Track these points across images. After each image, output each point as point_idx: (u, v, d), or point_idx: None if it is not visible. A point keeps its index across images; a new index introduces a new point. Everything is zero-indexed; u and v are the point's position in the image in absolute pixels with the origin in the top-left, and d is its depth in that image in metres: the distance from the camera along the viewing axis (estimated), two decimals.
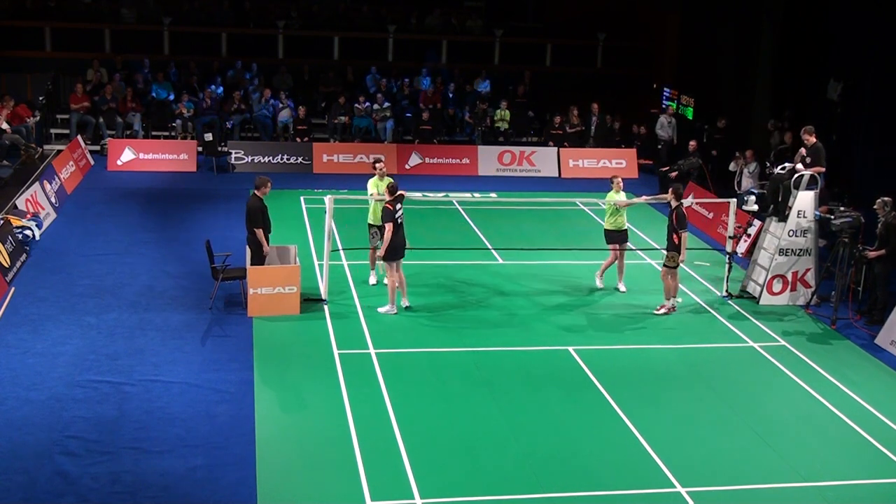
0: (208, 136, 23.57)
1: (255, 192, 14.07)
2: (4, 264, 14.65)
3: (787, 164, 15.69)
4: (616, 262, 15.62)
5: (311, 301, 14.43)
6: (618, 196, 15.44)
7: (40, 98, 24.70)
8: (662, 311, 14.75)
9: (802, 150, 15.43)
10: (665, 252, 14.70)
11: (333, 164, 23.89)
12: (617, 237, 15.48)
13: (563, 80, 28.79)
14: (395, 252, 13.94)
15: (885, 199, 14.77)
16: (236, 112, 24.89)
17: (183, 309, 14.04)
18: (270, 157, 23.73)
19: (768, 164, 19.63)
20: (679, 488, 9.81)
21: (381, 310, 14.19)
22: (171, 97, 25.31)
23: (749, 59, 23.87)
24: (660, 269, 16.98)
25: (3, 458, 9.74)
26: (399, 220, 13.97)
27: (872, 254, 14.60)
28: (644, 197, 15.96)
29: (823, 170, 15.44)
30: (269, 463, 9.89)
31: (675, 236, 14.37)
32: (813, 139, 15.44)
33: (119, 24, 27.31)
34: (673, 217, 14.45)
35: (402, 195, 14.04)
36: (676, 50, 28.30)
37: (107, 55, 26.54)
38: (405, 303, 14.36)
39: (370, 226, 14.85)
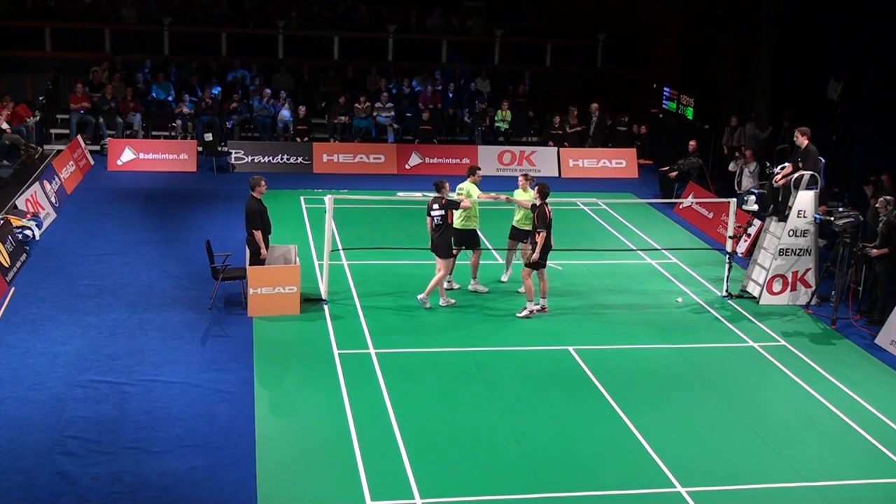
0: (208, 136, 23.58)
1: (252, 193, 14.10)
2: (4, 264, 14.65)
3: (786, 164, 15.68)
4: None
5: (311, 301, 14.43)
6: (525, 195, 15.05)
7: (40, 98, 24.69)
8: (524, 312, 14.28)
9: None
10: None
11: (333, 164, 23.89)
12: (520, 235, 15.23)
13: (563, 80, 28.80)
14: (434, 247, 14.34)
15: (888, 197, 14.77)
16: (236, 112, 24.90)
17: (183, 309, 14.04)
18: (270, 157, 23.73)
19: (768, 164, 19.63)
20: (679, 488, 9.80)
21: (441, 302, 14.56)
22: (171, 97, 25.32)
23: (749, 59, 23.87)
24: (660, 269, 17.00)
25: (3, 458, 9.74)
26: (435, 220, 14.29)
27: (875, 252, 14.59)
28: (504, 196, 15.26)
29: (811, 174, 15.23)
30: (269, 463, 9.89)
31: (536, 235, 14.03)
32: (805, 140, 15.28)
33: (119, 24, 27.31)
34: (535, 216, 14.12)
35: (441, 197, 14.31)
36: (676, 50, 28.29)
37: (107, 55, 26.54)
38: (422, 298, 14.49)
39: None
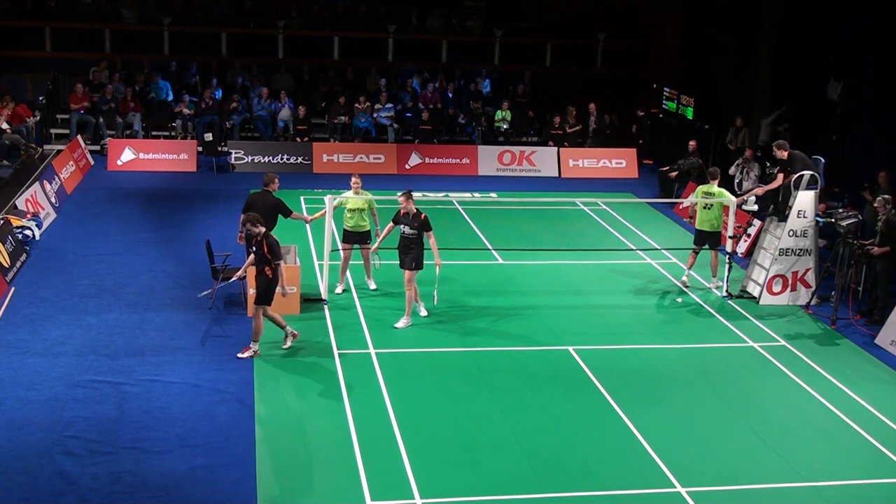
0: (208, 136, 23.59)
1: (266, 188, 14.22)
2: (4, 264, 14.65)
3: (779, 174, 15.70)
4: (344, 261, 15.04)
5: (311, 301, 14.43)
6: (357, 197, 14.52)
7: (40, 98, 24.70)
8: (247, 353, 12.40)
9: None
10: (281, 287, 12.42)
11: (333, 164, 23.89)
12: (354, 238, 14.79)
13: (563, 80, 28.79)
14: (410, 260, 13.70)
15: (886, 196, 14.78)
16: (236, 112, 24.90)
17: (183, 309, 14.04)
18: (270, 157, 23.73)
19: (768, 165, 19.62)
20: (679, 488, 9.80)
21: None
22: (171, 97, 25.32)
23: (749, 59, 23.86)
24: (660, 269, 17.00)
25: (4, 458, 9.74)
26: (408, 236, 13.66)
27: (877, 250, 14.58)
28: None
29: (811, 174, 15.24)
30: (269, 463, 9.89)
31: (268, 269, 12.19)
32: (785, 153, 15.35)
33: (119, 24, 27.31)
34: (264, 247, 12.15)
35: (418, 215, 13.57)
36: (676, 50, 28.29)
37: (107, 55, 26.55)
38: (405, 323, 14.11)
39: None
